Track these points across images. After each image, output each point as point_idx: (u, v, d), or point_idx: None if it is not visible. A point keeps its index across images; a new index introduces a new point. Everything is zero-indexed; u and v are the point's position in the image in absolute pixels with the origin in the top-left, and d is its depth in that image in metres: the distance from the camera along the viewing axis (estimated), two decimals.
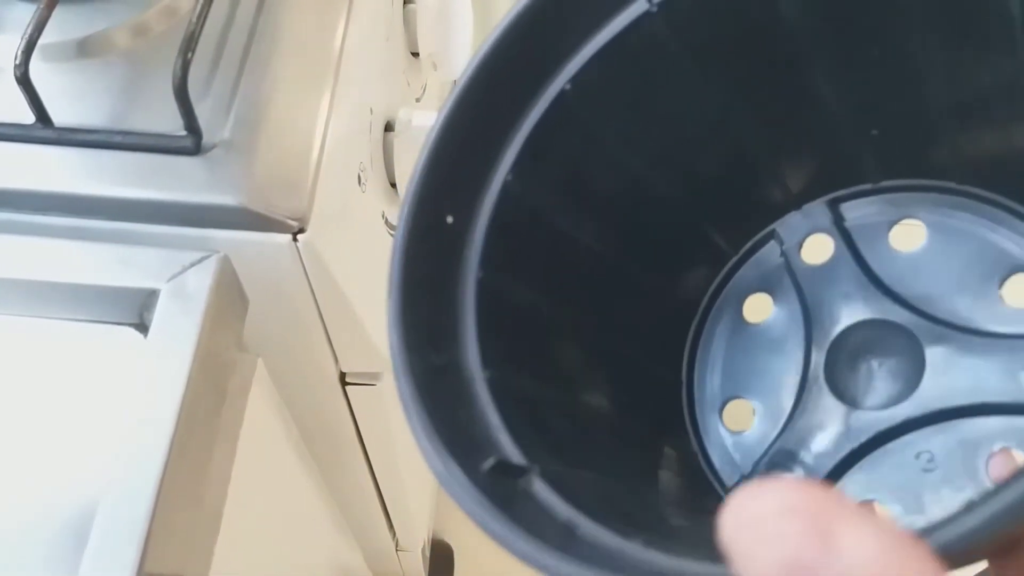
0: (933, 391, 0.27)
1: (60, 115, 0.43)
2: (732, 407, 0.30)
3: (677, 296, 0.31)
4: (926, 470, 0.27)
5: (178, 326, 0.36)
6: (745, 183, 0.31)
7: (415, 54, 0.59)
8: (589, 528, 0.21)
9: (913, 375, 0.28)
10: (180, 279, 0.37)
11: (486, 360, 0.24)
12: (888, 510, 0.27)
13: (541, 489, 0.22)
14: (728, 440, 0.30)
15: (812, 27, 0.27)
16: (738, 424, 0.30)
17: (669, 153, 0.29)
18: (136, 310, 0.38)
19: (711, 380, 0.31)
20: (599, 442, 0.28)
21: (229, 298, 0.39)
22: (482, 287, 0.25)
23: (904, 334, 0.28)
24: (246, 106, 0.44)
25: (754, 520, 0.14)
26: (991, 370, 0.27)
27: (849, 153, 0.30)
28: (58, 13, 0.43)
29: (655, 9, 0.26)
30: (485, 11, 0.73)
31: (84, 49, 0.47)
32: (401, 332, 0.22)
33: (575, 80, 0.27)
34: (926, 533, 0.14)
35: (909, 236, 0.30)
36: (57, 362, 0.38)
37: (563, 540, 0.20)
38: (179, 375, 0.35)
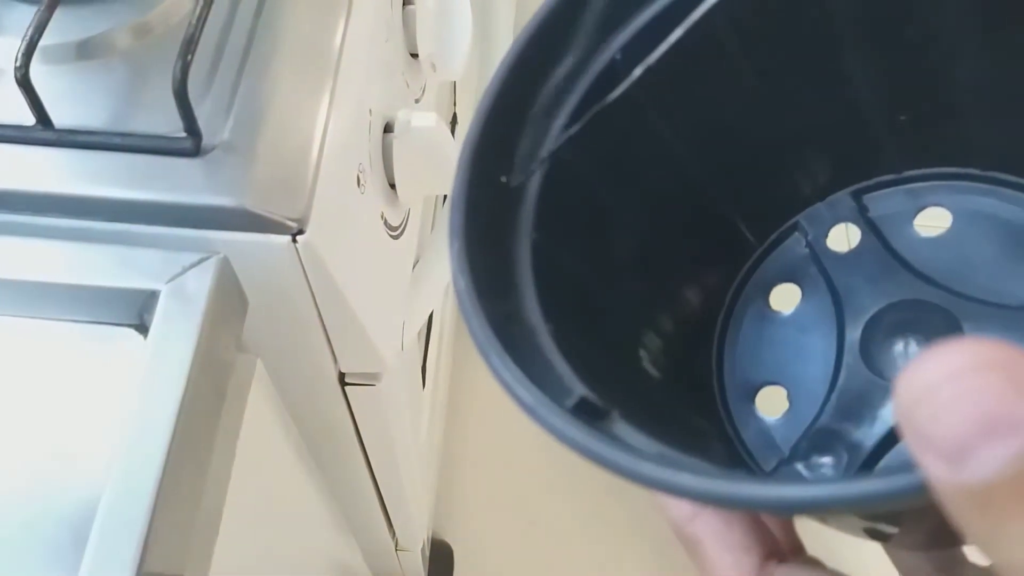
0: None
1: (60, 117, 0.43)
2: (765, 393, 0.30)
3: (706, 286, 0.32)
4: None
5: (178, 327, 0.36)
6: (772, 173, 0.31)
7: (414, 55, 0.59)
8: (684, 460, 0.21)
9: None
10: (180, 280, 0.38)
11: (547, 314, 0.24)
12: None
13: (626, 430, 0.22)
14: (764, 425, 0.30)
15: (851, 11, 0.27)
16: (773, 410, 0.30)
17: (706, 135, 0.30)
18: (136, 311, 0.38)
19: (741, 368, 0.31)
20: (656, 408, 0.28)
21: (229, 299, 0.39)
22: (536, 247, 0.25)
23: (939, 311, 0.28)
24: (245, 107, 0.44)
25: (946, 379, 0.13)
26: None
27: (873, 143, 0.31)
28: (59, 15, 0.44)
29: None
30: (484, 13, 0.73)
31: (85, 51, 0.47)
32: (469, 277, 0.22)
33: (625, 50, 0.27)
34: None
35: (934, 221, 0.30)
36: (57, 363, 0.38)
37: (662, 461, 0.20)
38: (178, 376, 0.35)
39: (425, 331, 0.85)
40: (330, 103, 0.46)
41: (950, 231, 0.30)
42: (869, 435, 0.28)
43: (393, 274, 0.57)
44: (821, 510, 0.17)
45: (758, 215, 0.32)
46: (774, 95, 0.30)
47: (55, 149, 0.43)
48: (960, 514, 0.14)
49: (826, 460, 0.28)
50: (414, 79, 0.60)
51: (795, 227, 0.32)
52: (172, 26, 0.48)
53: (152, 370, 0.36)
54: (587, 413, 0.21)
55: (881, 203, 0.31)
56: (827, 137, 0.31)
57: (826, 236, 0.31)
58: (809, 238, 0.31)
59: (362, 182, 0.49)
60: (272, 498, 0.53)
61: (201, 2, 0.43)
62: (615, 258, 0.29)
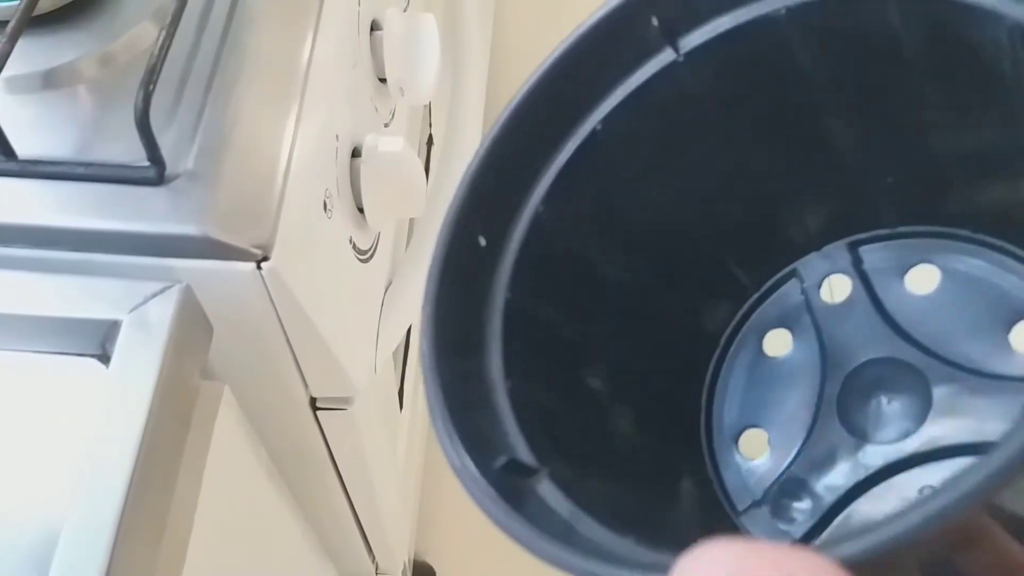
0: (939, 428, 0.28)
1: (25, 147, 0.43)
2: (748, 436, 0.32)
3: (700, 328, 0.33)
4: None
5: (139, 356, 0.36)
6: (767, 224, 0.32)
7: (383, 80, 0.59)
8: (588, 525, 0.22)
9: (921, 412, 0.29)
10: (142, 310, 0.38)
11: (509, 371, 0.26)
12: None
13: (548, 489, 0.23)
14: (742, 467, 0.31)
15: (828, 80, 0.29)
16: (753, 452, 0.31)
17: (694, 193, 0.31)
18: (98, 341, 0.38)
19: (729, 409, 0.32)
20: (617, 460, 0.29)
21: (191, 328, 0.39)
22: (509, 307, 0.27)
23: (914, 373, 0.29)
24: (210, 135, 0.44)
25: None
26: (995, 411, 0.28)
27: (867, 199, 0.31)
28: (24, 45, 0.44)
29: (682, 59, 0.28)
30: (455, 37, 0.73)
31: (50, 80, 0.47)
32: (432, 339, 0.24)
33: (606, 121, 0.28)
34: (828, 545, 0.16)
35: (924, 279, 0.31)
36: (18, 394, 0.38)
37: (563, 534, 0.22)
38: (140, 405, 0.35)
39: (402, 354, 0.85)
40: (296, 129, 0.46)
41: (938, 290, 0.31)
42: (830, 490, 0.29)
43: (363, 298, 0.57)
44: None
45: (754, 263, 0.33)
46: (763, 156, 0.31)
47: (18, 180, 0.43)
48: None
49: (794, 507, 0.30)
50: (383, 104, 0.60)
51: (792, 273, 0.33)
52: (138, 54, 0.48)
53: (114, 400, 0.36)
54: (514, 472, 0.23)
55: (875, 256, 0.32)
56: (820, 194, 0.32)
57: (820, 285, 0.32)
58: (804, 286, 0.32)
59: (329, 207, 0.49)
60: (244, 524, 0.53)
61: (164, 32, 0.43)
62: (597, 308, 0.30)
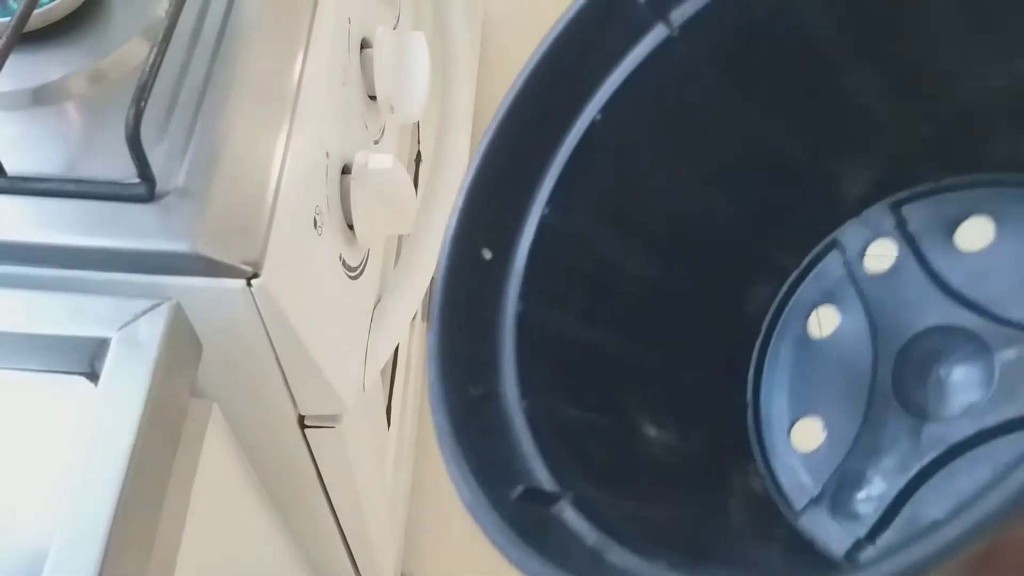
0: (1006, 399, 0.26)
1: (14, 163, 0.43)
2: (800, 426, 0.29)
3: (738, 316, 0.31)
4: None
5: (129, 374, 0.36)
6: (798, 196, 0.30)
7: (373, 97, 0.60)
8: (616, 553, 0.21)
9: (985, 383, 0.27)
10: (131, 327, 0.37)
11: (525, 390, 0.25)
12: None
13: (572, 516, 0.22)
14: (796, 461, 0.29)
15: (836, 32, 0.27)
16: (806, 444, 0.29)
17: (711, 173, 0.29)
18: (87, 359, 0.38)
19: (778, 399, 0.30)
20: (651, 470, 0.28)
21: (181, 345, 0.39)
22: (522, 320, 0.26)
23: (973, 340, 0.27)
24: (201, 151, 0.44)
25: None
26: None
27: (905, 153, 0.29)
28: (14, 61, 0.44)
29: (676, 34, 0.27)
30: (444, 54, 0.73)
31: (40, 97, 0.47)
32: (439, 365, 0.23)
33: (605, 110, 0.27)
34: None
35: (976, 234, 0.29)
36: (6, 412, 0.38)
37: (590, 564, 0.21)
38: (129, 423, 0.35)
39: (390, 371, 0.84)
40: (286, 146, 0.46)
41: (992, 245, 0.28)
42: (893, 479, 0.27)
43: (352, 315, 0.57)
44: None
45: (790, 239, 0.30)
46: (781, 123, 0.29)
47: (7, 196, 0.43)
48: None
49: (855, 500, 0.27)
50: (373, 121, 0.60)
51: (832, 245, 0.30)
52: (128, 71, 0.49)
53: (102, 418, 0.35)
54: (533, 500, 0.22)
55: (920, 214, 0.29)
56: (852, 155, 0.29)
57: (863, 254, 0.30)
58: (846, 256, 0.30)
59: (319, 224, 0.49)
60: (232, 541, 0.53)
61: (155, 49, 0.43)
62: (621, 310, 0.28)
